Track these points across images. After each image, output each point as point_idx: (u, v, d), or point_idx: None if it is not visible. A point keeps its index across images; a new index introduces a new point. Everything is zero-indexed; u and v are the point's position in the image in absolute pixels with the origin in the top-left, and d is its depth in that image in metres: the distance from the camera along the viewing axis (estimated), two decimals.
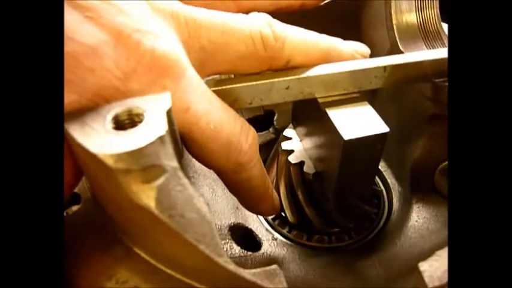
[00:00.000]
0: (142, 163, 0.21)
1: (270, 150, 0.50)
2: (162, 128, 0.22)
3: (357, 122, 0.34)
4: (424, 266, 0.24)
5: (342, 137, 0.33)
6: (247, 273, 0.23)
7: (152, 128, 0.22)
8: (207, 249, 0.22)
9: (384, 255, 0.40)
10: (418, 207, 0.44)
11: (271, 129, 0.55)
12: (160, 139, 0.22)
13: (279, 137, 0.51)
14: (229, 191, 0.36)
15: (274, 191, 0.38)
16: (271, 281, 0.23)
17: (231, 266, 0.22)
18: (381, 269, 0.39)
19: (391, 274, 0.38)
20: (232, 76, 0.35)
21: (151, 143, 0.21)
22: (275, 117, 0.55)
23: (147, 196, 0.21)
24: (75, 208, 0.31)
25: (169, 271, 0.26)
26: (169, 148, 0.22)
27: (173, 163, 0.22)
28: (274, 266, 0.24)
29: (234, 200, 0.42)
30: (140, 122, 0.23)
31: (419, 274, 0.24)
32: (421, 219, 0.42)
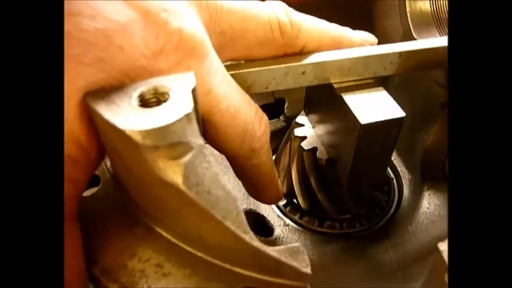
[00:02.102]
0: (169, 140, 0.21)
1: (280, 138, 0.50)
2: (189, 106, 0.22)
3: (373, 106, 0.34)
4: (443, 246, 0.25)
5: (358, 122, 0.33)
6: (271, 250, 0.23)
7: (178, 106, 0.22)
8: (232, 225, 0.22)
9: (395, 240, 0.41)
10: (429, 195, 0.44)
11: (281, 117, 0.55)
12: (187, 117, 0.22)
13: (289, 124, 0.51)
14: (237, 176, 0.37)
15: (279, 179, 0.39)
16: (295, 258, 0.24)
17: (256, 243, 0.23)
18: (393, 253, 0.39)
19: (403, 259, 0.38)
20: (243, 62, 0.35)
21: (179, 120, 0.21)
22: (286, 105, 0.55)
23: (173, 172, 0.22)
24: (94, 189, 0.31)
25: (190, 249, 0.26)
26: (195, 126, 0.22)
27: (199, 140, 0.22)
28: (297, 244, 0.24)
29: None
30: (165, 100, 0.23)
31: (438, 254, 0.25)
32: (432, 206, 0.43)
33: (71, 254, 0.26)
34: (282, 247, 0.24)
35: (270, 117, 0.55)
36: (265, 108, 0.54)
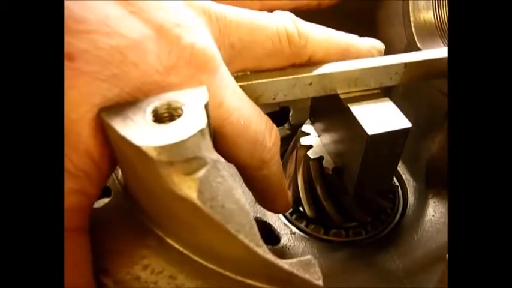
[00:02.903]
0: (184, 155, 0.22)
1: (285, 145, 0.50)
2: (202, 121, 0.23)
3: (380, 117, 0.34)
4: None
5: (366, 132, 0.33)
6: (284, 263, 0.23)
7: (192, 121, 0.23)
8: (246, 239, 0.23)
9: (401, 248, 0.41)
10: (434, 202, 0.44)
11: (286, 125, 0.56)
12: (201, 132, 0.22)
13: (294, 132, 0.51)
14: (247, 187, 0.37)
15: (287, 188, 0.39)
16: (307, 270, 0.24)
17: (269, 256, 0.23)
18: (399, 261, 0.40)
19: (410, 266, 0.39)
20: (248, 73, 0.35)
21: (193, 136, 0.22)
22: (290, 113, 0.56)
23: (188, 187, 0.22)
24: (105, 200, 0.31)
25: (202, 261, 0.26)
26: (208, 141, 0.23)
27: (213, 155, 0.23)
28: (309, 257, 0.24)
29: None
30: (178, 115, 0.24)
31: (446, 264, 0.25)
32: (438, 214, 0.43)
33: (80, 265, 0.26)
34: (294, 260, 0.24)
35: (275, 125, 0.55)
36: (270, 116, 0.54)
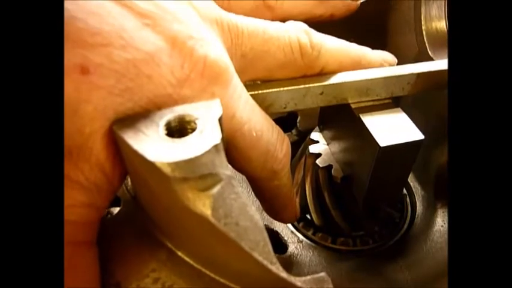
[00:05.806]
0: (199, 171, 0.21)
1: (293, 152, 0.50)
2: (217, 136, 0.22)
3: (392, 128, 0.34)
4: None
5: (377, 144, 0.33)
6: (297, 281, 0.23)
7: (206, 136, 0.22)
8: (260, 256, 0.22)
9: (410, 259, 0.41)
10: (443, 212, 0.44)
11: (294, 131, 0.55)
12: (215, 147, 0.22)
13: (301, 138, 0.51)
14: (256, 196, 0.37)
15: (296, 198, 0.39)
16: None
17: (284, 274, 0.23)
18: (408, 273, 0.39)
19: (419, 278, 0.38)
20: (259, 82, 0.35)
21: (208, 151, 0.21)
22: (298, 119, 0.55)
23: (203, 204, 0.22)
24: (115, 210, 0.31)
25: (214, 275, 0.26)
26: (223, 156, 0.23)
27: (228, 171, 0.22)
28: (322, 274, 0.24)
29: (258, 202, 0.42)
30: (192, 129, 0.23)
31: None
32: (447, 224, 0.43)
33: (89, 279, 0.26)
34: (308, 277, 0.24)
35: (283, 131, 0.55)
36: (277, 121, 0.54)
